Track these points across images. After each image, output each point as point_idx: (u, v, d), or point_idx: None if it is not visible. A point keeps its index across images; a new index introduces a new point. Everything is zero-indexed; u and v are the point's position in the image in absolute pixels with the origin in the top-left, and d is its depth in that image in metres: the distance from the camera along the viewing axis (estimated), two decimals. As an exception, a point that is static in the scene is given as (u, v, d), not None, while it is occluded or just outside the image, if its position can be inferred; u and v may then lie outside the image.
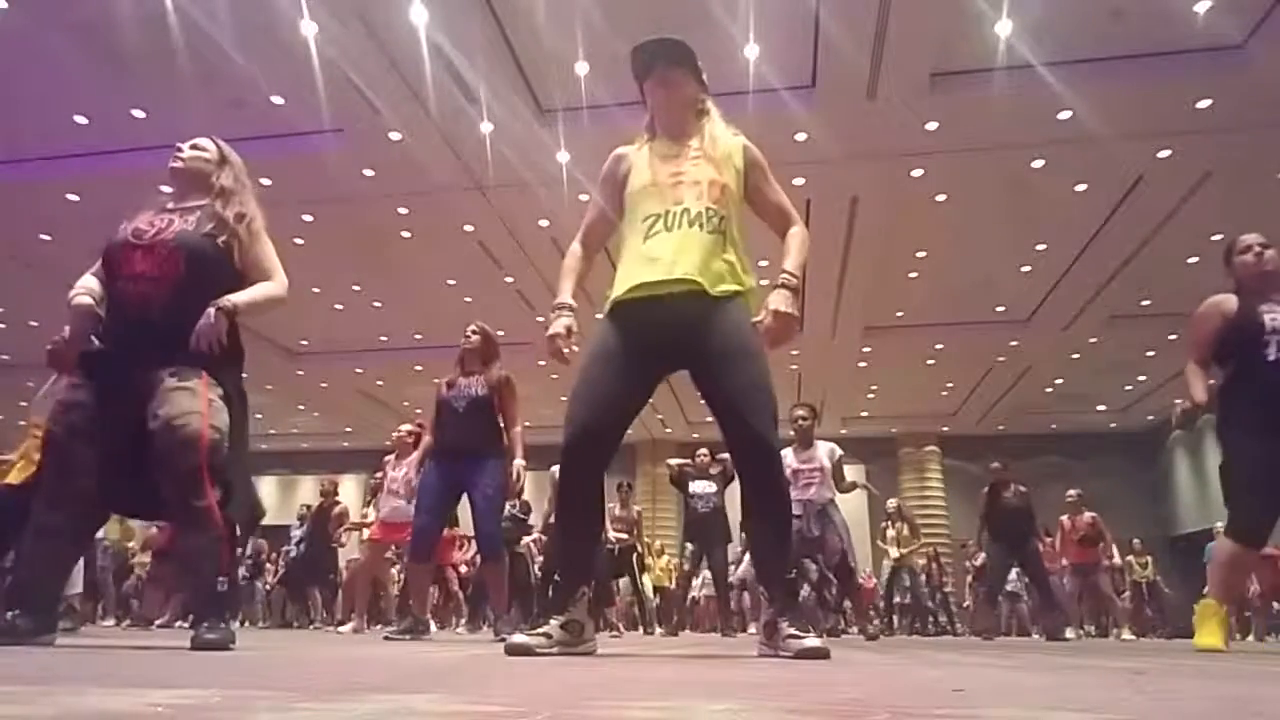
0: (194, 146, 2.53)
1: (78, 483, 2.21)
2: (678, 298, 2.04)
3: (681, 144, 2.22)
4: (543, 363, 12.77)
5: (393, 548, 6.28)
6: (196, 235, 2.34)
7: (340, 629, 6.60)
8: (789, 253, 2.22)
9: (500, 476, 4.08)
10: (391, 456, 6.09)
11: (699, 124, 2.24)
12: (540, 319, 11.86)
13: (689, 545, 7.01)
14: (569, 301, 2.22)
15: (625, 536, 7.46)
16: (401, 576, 7.32)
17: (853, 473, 6.07)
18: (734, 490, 6.40)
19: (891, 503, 9.65)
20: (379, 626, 6.73)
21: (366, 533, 6.96)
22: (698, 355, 2.06)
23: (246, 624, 10.27)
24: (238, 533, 2.34)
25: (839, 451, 5.81)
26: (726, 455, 6.65)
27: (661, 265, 2.05)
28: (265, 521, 2.60)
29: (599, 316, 2.19)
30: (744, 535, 8.95)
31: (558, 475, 2.08)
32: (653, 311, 2.06)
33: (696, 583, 11.46)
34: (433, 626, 5.76)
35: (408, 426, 6.12)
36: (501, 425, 4.13)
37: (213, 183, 2.48)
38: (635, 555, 7.82)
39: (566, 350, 2.14)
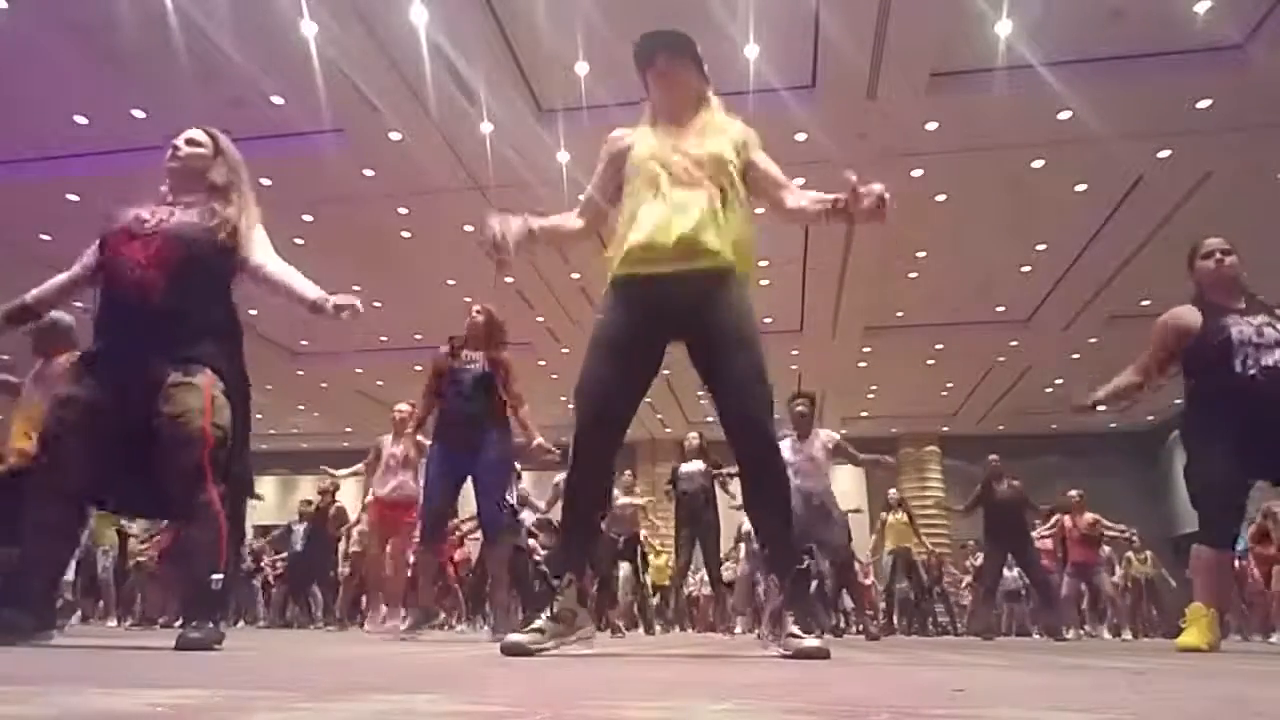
0: (190, 142, 2.52)
1: (70, 480, 2.22)
2: (671, 276, 2.05)
3: (681, 127, 2.24)
4: (543, 362, 12.79)
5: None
6: (196, 227, 2.37)
7: (366, 628, 6.17)
8: (807, 193, 2.19)
9: (503, 447, 4.14)
10: (387, 436, 6.02)
11: (698, 112, 2.27)
12: (540, 319, 11.85)
13: (682, 531, 6.96)
14: (534, 224, 2.31)
15: (635, 501, 7.46)
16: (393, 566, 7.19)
17: (851, 472, 6.06)
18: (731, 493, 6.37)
19: (893, 493, 9.64)
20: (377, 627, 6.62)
21: (364, 526, 6.87)
22: (697, 330, 2.09)
23: (246, 624, 10.27)
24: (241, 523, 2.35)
25: (837, 436, 5.77)
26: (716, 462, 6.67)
27: (659, 239, 2.07)
28: (265, 521, 2.59)
29: (598, 317, 2.19)
30: (738, 532, 8.99)
31: (571, 458, 2.08)
32: (652, 285, 2.08)
33: (694, 579, 11.46)
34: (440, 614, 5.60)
35: (404, 405, 6.04)
36: (504, 400, 4.17)
37: (209, 177, 2.49)
38: (639, 546, 7.78)
39: (500, 241, 2.30)
